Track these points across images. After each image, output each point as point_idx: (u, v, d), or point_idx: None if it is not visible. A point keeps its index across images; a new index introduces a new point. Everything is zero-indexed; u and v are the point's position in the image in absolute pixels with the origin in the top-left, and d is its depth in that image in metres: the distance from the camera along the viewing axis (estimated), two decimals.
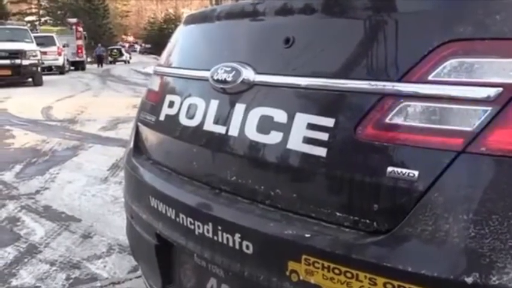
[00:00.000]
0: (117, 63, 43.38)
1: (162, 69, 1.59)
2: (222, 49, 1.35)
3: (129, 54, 51.39)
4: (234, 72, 1.22)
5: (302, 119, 1.07)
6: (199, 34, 1.51)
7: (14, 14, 43.78)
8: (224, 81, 1.24)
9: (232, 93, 1.22)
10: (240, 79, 1.20)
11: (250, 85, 1.19)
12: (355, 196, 0.97)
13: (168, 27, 67.43)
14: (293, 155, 1.07)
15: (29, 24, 31.27)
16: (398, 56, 0.99)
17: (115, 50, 44.79)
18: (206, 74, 1.30)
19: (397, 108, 0.96)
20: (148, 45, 70.98)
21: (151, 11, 76.65)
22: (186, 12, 72.54)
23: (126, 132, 6.36)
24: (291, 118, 1.09)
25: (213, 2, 46.07)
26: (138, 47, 78.90)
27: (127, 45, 69.27)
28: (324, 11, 1.15)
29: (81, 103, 10.12)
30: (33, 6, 50.35)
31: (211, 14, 1.48)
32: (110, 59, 43.83)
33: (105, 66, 32.78)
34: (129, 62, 47.98)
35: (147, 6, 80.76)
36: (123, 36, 74.79)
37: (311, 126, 1.05)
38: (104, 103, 10.19)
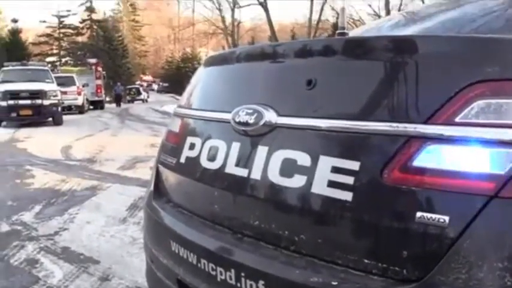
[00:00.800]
0: (135, 102, 44.14)
1: (182, 110, 1.61)
2: (243, 91, 1.36)
3: (147, 93, 52.31)
4: (255, 114, 1.21)
5: (326, 162, 1.06)
6: (220, 76, 1.53)
7: (36, 55, 45.31)
8: (246, 124, 1.23)
9: (254, 135, 1.21)
10: (262, 121, 1.19)
11: (273, 127, 1.18)
12: (383, 242, 0.95)
13: (185, 66, 68.79)
14: (318, 199, 1.05)
15: (49, 65, 32.21)
16: (424, 97, 0.98)
17: (133, 89, 45.71)
18: (227, 116, 1.30)
19: (424, 151, 0.94)
20: (165, 84, 72.31)
21: (169, 51, 78.48)
22: (203, 52, 73.71)
23: (144, 171, 6.38)
24: (314, 161, 1.08)
25: (229, 42, 47.23)
26: (156, 86, 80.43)
27: (145, 84, 70.57)
28: (345, 52, 1.15)
29: (100, 142, 10.26)
30: (54, 47, 52.23)
31: (231, 56, 1.50)
32: (128, 98, 44.60)
33: (123, 105, 33.37)
34: (147, 101, 48.82)
35: (165, 46, 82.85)
36: (142, 76, 76.38)
37: (336, 170, 1.03)
38: (122, 142, 10.32)
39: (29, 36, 56.29)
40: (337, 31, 1.36)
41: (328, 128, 1.09)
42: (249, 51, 1.43)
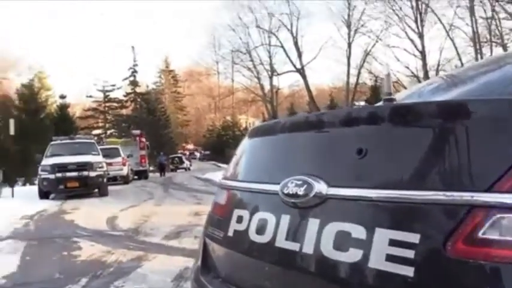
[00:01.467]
0: (178, 170, 44.96)
1: (228, 182, 1.60)
2: (290, 162, 1.35)
3: (190, 161, 53.29)
4: (305, 185, 1.19)
5: (383, 235, 1.02)
6: (265, 147, 1.52)
7: (83, 128, 47.49)
8: (295, 196, 1.21)
9: (305, 207, 1.19)
10: (313, 193, 1.17)
11: (324, 199, 1.16)
12: None
13: (226, 134, 70.17)
14: (376, 274, 1.01)
15: (96, 137, 33.47)
16: (483, 163, 0.94)
17: (176, 158, 46.78)
18: (276, 188, 1.28)
19: (490, 221, 0.90)
20: (207, 152, 73.67)
21: (209, 119, 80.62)
22: (243, 119, 74.80)
23: (189, 240, 6.36)
24: (370, 234, 1.06)
25: (269, 108, 48.25)
26: (198, 154, 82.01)
27: (187, 153, 72.13)
28: (395, 119, 1.13)
29: (144, 212, 10.38)
30: (100, 120, 54.83)
31: (275, 126, 1.50)
32: (171, 167, 45.50)
33: (167, 174, 34.02)
34: (189, 169, 49.56)
35: (206, 115, 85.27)
36: (184, 145, 78.24)
37: (394, 243, 1.01)
38: (166, 212, 10.40)
39: (76, 110, 59.21)
40: (384, 97, 1.34)
41: (383, 198, 1.06)
42: (294, 121, 1.43)
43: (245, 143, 1.67)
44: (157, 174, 34.00)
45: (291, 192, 1.23)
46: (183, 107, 74.36)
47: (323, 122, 1.29)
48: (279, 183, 1.28)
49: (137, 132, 32.54)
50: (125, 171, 24.51)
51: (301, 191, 1.20)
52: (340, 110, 1.34)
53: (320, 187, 1.17)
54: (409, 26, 30.31)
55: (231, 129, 69.89)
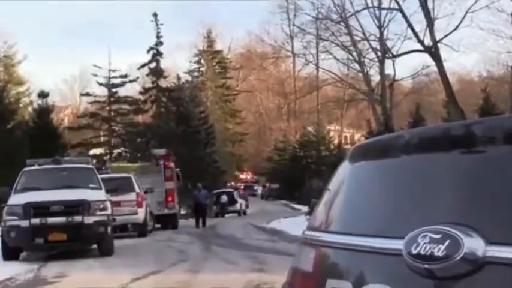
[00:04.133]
0: (227, 215, 45.50)
1: (316, 235, 1.64)
2: (420, 201, 1.36)
3: (246, 200, 53.59)
4: (447, 241, 1.21)
5: None
6: (377, 176, 1.55)
7: (75, 146, 48.27)
8: (431, 258, 1.23)
9: (447, 278, 1.20)
10: (460, 253, 1.18)
11: (479, 264, 1.16)
12: None
13: (306, 155, 70.06)
14: None
15: (95, 160, 33.83)
16: None
17: (224, 196, 47.42)
18: (397, 244, 1.31)
19: None
20: (274, 185, 74.01)
21: (279, 131, 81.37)
22: (335, 131, 75.70)
23: None
24: None
25: (378, 112, 47.69)
26: (259, 188, 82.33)
27: (242, 186, 72.77)
28: None
29: (172, 283, 10.54)
30: (102, 132, 54.90)
31: (394, 143, 1.53)
32: (215, 209, 46.02)
33: (208, 222, 34.50)
34: (245, 213, 49.88)
35: (272, 124, 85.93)
36: (237, 173, 79.01)
37: None
38: (208, 283, 10.52)
39: (64, 117, 61.56)
40: None
41: None
42: (427, 135, 1.44)
43: (344, 171, 1.72)
44: (193, 220, 34.60)
45: (422, 253, 1.24)
46: (235, 112, 75.43)
47: (476, 137, 1.28)
48: (402, 238, 1.30)
49: (161, 152, 33.39)
50: (140, 215, 25.13)
51: (440, 251, 1.21)
52: (506, 118, 1.34)
53: (473, 244, 1.18)
54: None
55: (314, 147, 69.75)
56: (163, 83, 57.13)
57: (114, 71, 54.50)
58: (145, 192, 26.97)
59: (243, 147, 79.86)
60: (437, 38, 38.41)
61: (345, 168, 1.78)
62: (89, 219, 15.86)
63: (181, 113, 52.07)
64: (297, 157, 68.72)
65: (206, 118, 56.79)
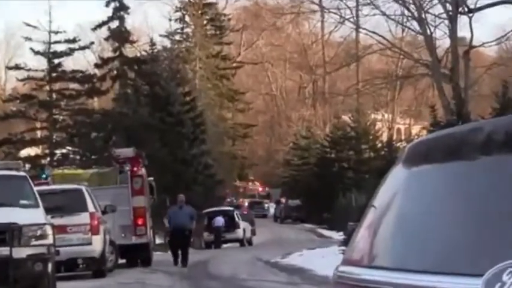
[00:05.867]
0: (224, 245, 46.00)
1: (356, 272, 1.67)
2: (506, 224, 1.40)
3: (251, 223, 53.95)
4: None
5: None
6: (446, 186, 1.59)
7: None
8: None
9: None
10: None
11: None
12: None
13: (340, 158, 69.62)
14: None
15: (28, 165, 33.42)
16: None
17: (219, 217, 47.24)
18: (472, 284, 1.33)
19: None
20: (294, 202, 73.70)
21: (300, 122, 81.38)
22: (382, 121, 76.12)
23: None
24: None
25: (448, 95, 47.30)
26: (271, 206, 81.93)
27: (246, 203, 72.57)
28: None
29: None
30: (39, 124, 54.77)
31: (472, 138, 1.56)
32: (206, 236, 45.85)
33: (196, 255, 34.35)
34: (250, 243, 49.77)
35: (291, 113, 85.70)
36: (239, 184, 78.50)
37: None
38: None
39: None
40: None
41: None
42: None
43: (397, 179, 1.77)
44: (171, 254, 34.32)
45: None
46: (236, 94, 74.85)
47: None
48: (480, 275, 1.32)
49: (128, 153, 33.39)
50: (96, 246, 25.15)
51: None
52: None
53: None
54: None
55: (352, 146, 69.41)
56: (129, 52, 57.21)
57: (56, 33, 53.79)
58: (104, 212, 26.97)
59: (249, 145, 79.71)
60: None
61: (398, 176, 1.79)
62: (20, 252, 15.89)
63: (156, 95, 52.15)
64: (327, 160, 68.88)
65: (193, 103, 56.87)
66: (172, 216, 32.07)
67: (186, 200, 33.94)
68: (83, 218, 24.92)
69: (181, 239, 31.80)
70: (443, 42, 48.51)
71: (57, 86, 55.06)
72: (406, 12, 48.77)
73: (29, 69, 55.60)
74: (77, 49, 55.30)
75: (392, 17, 51.04)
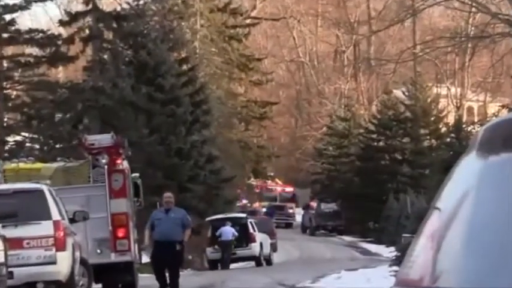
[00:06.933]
0: (234, 264, 46.42)
1: None
2: None
3: (271, 235, 53.57)
4: None
5: None
6: None
7: None
8: None
9: None
10: None
11: None
12: None
13: (391, 147, 69.43)
14: None
15: None
16: None
17: (227, 227, 47.21)
18: None
19: None
20: (329, 206, 73.52)
21: (336, 98, 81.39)
22: (448, 94, 76.45)
23: None
24: None
25: None
26: (297, 212, 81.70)
27: (263, 208, 72.50)
28: None
29: None
30: None
31: None
32: (210, 253, 46.13)
33: (194, 278, 34.41)
34: (269, 262, 49.87)
35: (324, 85, 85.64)
36: (254, 182, 78.32)
37: None
38: None
39: None
40: None
41: None
42: None
43: (469, 172, 1.73)
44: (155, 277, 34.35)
45: None
46: (250, 60, 74.77)
47: None
48: None
49: (104, 141, 33.40)
50: (62, 266, 25.25)
51: None
52: None
53: None
54: None
55: (407, 130, 69.11)
56: (106, 4, 57.43)
57: None
58: (73, 221, 27.08)
59: (267, 130, 79.68)
60: None
61: (470, 168, 1.81)
62: None
63: (142, 64, 52.23)
64: (373, 150, 68.96)
65: (193, 73, 56.98)
66: (156, 223, 30.13)
67: (180, 201, 33.85)
68: (45, 228, 24.96)
69: (168, 256, 29.78)
70: None
71: (9, 50, 55.31)
72: None
73: None
74: (36, 0, 55.55)
75: None
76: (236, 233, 47.72)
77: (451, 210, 1.84)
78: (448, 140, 62.17)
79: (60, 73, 56.72)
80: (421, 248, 1.88)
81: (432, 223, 1.87)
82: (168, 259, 29.86)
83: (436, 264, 1.77)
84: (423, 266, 1.81)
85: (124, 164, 32.28)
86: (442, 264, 1.77)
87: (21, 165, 35.26)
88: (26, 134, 52.99)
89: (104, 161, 31.48)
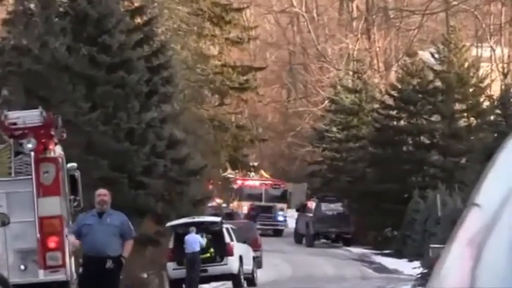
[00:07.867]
0: (205, 285, 46.07)
1: None
2: None
3: (254, 245, 53.65)
4: None
5: None
6: None
7: None
8: None
9: None
10: None
11: None
12: None
13: (413, 124, 69.48)
14: None
15: None
16: None
17: (192, 234, 47.34)
18: None
19: None
20: (333, 207, 73.76)
21: (343, 59, 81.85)
22: (492, 57, 78.06)
23: None
24: None
25: None
26: (288, 213, 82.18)
27: (244, 209, 72.97)
28: None
29: None
30: None
31: None
32: (172, 270, 46.42)
33: None
34: (252, 283, 50.29)
35: (327, 45, 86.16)
36: (231, 174, 78.51)
37: None
38: None
39: None
40: None
41: None
42: None
43: None
44: None
45: None
46: (226, 9, 75.19)
47: None
48: None
49: (31, 118, 33.50)
50: None
51: None
52: None
53: None
54: None
55: (433, 103, 69.19)
56: None
57: None
58: None
59: (249, 105, 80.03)
60: None
61: None
62: None
63: (82, 16, 52.41)
64: (391, 131, 69.26)
65: (149, 28, 57.24)
66: (85, 232, 29.45)
67: (131, 201, 33.92)
68: None
69: (101, 276, 29.08)
70: None
71: None
72: None
73: None
74: None
75: None
76: (203, 243, 47.72)
77: (495, 208, 1.88)
78: (492, 118, 62.41)
79: None
80: (456, 258, 1.92)
81: (470, 225, 1.91)
82: (101, 281, 29.28)
83: (475, 279, 1.81)
84: (459, 281, 1.86)
85: (57, 151, 32.28)
86: (483, 279, 1.81)
87: None
88: None
89: (29, 146, 31.40)
